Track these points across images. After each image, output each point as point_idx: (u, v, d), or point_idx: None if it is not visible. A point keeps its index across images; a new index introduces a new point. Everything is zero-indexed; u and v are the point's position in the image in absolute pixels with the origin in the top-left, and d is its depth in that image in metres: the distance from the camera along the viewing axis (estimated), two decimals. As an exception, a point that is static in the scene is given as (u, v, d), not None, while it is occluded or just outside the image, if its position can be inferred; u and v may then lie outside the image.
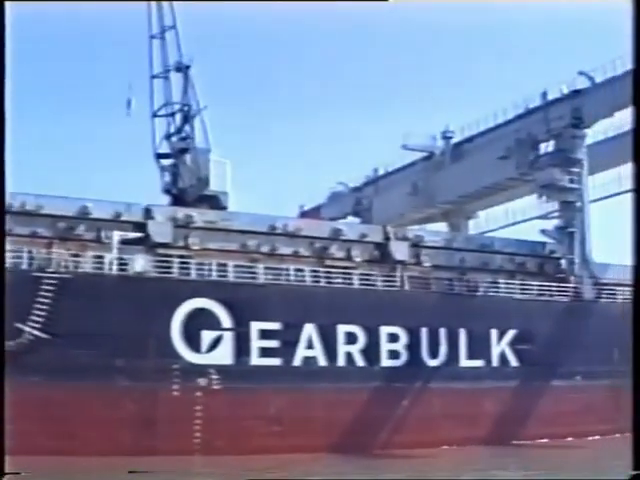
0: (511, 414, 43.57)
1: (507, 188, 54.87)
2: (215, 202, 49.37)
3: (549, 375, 45.37)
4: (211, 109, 53.15)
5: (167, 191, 52.29)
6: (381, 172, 66.75)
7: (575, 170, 49.68)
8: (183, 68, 52.71)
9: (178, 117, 52.95)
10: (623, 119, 51.59)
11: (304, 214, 66.73)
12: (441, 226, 64.14)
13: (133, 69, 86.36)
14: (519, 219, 59.82)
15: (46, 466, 28.38)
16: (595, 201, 58.58)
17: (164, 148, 53.08)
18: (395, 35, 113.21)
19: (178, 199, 50.36)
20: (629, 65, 46.35)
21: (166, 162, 53.16)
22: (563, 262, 49.82)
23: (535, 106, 52.72)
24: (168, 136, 52.92)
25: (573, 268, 49.09)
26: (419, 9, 62.58)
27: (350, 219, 64.69)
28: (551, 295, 46.86)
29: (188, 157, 51.67)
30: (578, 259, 49.23)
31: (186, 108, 52.47)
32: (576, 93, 50.59)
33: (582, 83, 50.72)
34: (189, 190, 50.54)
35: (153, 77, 53.14)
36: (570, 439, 43.54)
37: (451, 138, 59.53)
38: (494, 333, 44.26)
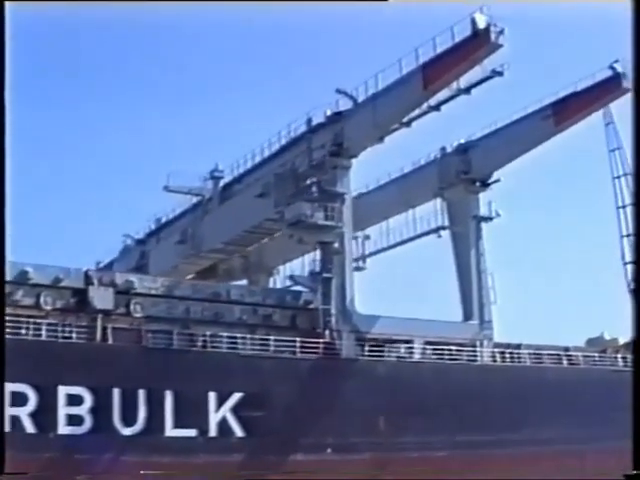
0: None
1: (272, 231, 52.44)
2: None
3: (288, 448, 42.13)
4: None
5: None
6: (164, 220, 64.80)
7: (334, 205, 47.39)
8: None
9: None
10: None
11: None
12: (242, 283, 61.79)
13: None
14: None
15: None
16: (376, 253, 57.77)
17: None
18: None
19: None
20: (392, 78, 45.21)
21: None
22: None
23: (299, 134, 50.89)
24: None
25: (329, 320, 46.35)
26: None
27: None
28: (294, 352, 43.85)
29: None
30: (335, 310, 46.55)
31: None
32: (337, 116, 48.81)
33: (346, 104, 49.10)
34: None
35: None
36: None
37: (220, 178, 57.30)
38: (212, 396, 40.97)
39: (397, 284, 74.55)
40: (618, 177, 69.62)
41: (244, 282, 61.60)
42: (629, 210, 69.08)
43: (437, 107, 48.25)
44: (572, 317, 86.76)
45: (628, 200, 69.06)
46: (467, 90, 46.96)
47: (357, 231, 57.92)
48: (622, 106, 50.75)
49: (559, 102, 50.13)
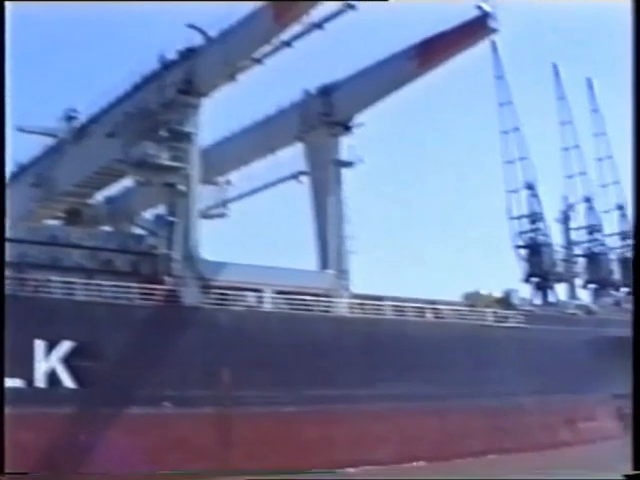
0: (61, 449, 38.67)
1: (122, 173, 50.89)
2: None
3: (123, 401, 40.75)
4: None
5: None
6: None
7: (181, 146, 46.05)
8: None
9: None
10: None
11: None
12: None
13: None
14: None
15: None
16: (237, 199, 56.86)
17: None
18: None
19: None
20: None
21: None
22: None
23: (152, 72, 49.23)
24: None
25: (173, 266, 45.11)
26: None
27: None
28: (132, 299, 42.43)
29: None
30: (179, 255, 45.32)
31: None
32: (190, 52, 47.29)
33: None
34: None
35: None
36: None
37: (74, 118, 55.26)
38: (40, 345, 39.25)
39: (260, 232, 73.77)
40: (506, 132, 70.18)
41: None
42: (518, 165, 69.85)
43: (289, 43, 46.63)
44: (450, 270, 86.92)
45: (516, 155, 69.73)
46: (319, 25, 45.52)
47: (219, 176, 56.94)
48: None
49: (424, 43, 49.26)
